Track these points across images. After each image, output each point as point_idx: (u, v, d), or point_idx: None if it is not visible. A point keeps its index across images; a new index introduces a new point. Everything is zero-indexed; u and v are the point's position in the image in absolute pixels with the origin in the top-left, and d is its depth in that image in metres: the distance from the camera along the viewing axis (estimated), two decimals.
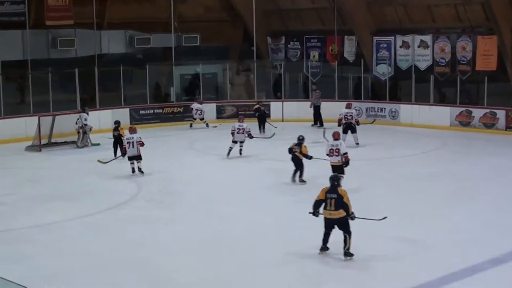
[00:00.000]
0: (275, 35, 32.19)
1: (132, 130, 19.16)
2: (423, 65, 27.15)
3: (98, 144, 23.30)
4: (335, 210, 11.61)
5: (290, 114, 28.69)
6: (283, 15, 31.86)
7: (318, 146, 19.00)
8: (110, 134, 21.90)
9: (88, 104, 25.96)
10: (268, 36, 32.28)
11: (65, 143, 23.40)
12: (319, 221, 11.92)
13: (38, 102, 25.47)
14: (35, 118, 23.10)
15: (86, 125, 23.09)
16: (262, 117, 25.98)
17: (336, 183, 11.81)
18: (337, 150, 16.28)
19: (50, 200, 16.26)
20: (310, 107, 27.11)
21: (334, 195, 11.63)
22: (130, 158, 18.78)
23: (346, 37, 29.47)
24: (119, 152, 20.18)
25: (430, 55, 26.87)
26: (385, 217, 12.28)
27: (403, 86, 28.14)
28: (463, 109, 25.52)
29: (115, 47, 29.19)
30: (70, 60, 27.37)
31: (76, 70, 26.28)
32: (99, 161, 19.76)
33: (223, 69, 30.94)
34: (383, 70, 28.25)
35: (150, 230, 13.76)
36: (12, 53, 25.97)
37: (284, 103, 29.09)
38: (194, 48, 30.52)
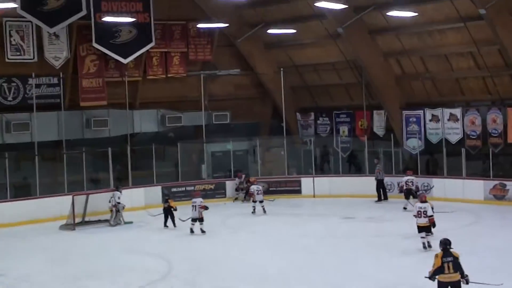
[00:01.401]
0: (304, 111, 32.55)
1: (197, 194, 22.20)
2: (453, 138, 27.12)
3: (131, 222, 23.47)
4: (454, 272, 11.89)
5: (321, 189, 28.64)
6: (312, 91, 32.26)
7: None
8: (154, 210, 23.69)
9: (121, 182, 26.25)
10: (297, 112, 32.65)
11: (99, 221, 23.58)
12: None
13: (72, 181, 25.85)
14: (69, 197, 23.37)
15: (119, 203, 23.28)
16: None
17: (448, 246, 12.13)
18: (424, 212, 17.72)
19: (81, 279, 16.29)
20: (375, 180, 26.91)
21: (450, 258, 11.97)
22: (193, 220, 21.15)
23: (375, 111, 29.65)
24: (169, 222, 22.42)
25: (460, 128, 26.84)
26: (502, 284, 12.57)
27: (435, 160, 28.03)
28: (497, 182, 25.18)
29: (147, 126, 29.72)
30: (103, 139, 27.87)
31: (109, 149, 26.66)
32: (148, 212, 23.07)
33: (253, 146, 31.18)
34: (413, 144, 28.26)
35: None
36: (48, 133, 26.58)
37: (315, 178, 29.10)
38: (224, 126, 30.93)
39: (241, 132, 31.44)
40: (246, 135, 31.54)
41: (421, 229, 17.83)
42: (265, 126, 33.01)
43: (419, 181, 26.90)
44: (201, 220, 21.17)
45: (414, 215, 18.23)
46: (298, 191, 28.83)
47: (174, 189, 27.75)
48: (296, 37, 29.57)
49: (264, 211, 24.80)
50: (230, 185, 28.64)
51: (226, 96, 31.58)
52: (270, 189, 28.74)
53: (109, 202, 23.36)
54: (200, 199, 21.52)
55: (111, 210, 23.36)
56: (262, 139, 31.43)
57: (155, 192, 26.89)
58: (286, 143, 30.81)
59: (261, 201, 24.87)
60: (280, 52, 31.29)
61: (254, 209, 24.97)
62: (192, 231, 21.16)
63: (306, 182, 28.98)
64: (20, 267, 17.75)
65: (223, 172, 30.11)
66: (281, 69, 30.46)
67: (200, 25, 29.11)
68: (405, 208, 23.57)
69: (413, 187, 24.14)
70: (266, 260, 17.76)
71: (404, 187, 24.36)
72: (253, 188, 25.19)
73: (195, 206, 21.20)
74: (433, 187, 25.84)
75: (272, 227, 22.64)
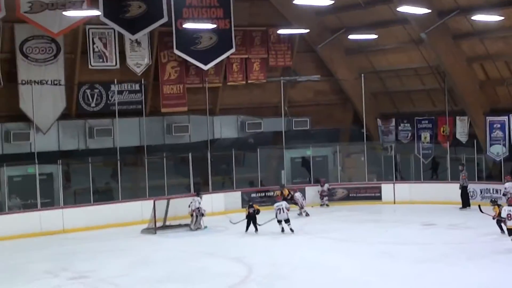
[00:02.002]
0: (385, 117, 32.13)
1: (279, 199, 23.68)
2: None
3: (207, 227, 23.69)
4: None
5: (402, 196, 28.22)
6: (393, 96, 31.82)
7: None
8: (234, 216, 24.18)
9: (201, 187, 26.50)
10: (378, 118, 32.27)
11: (179, 226, 23.87)
12: None
13: (153, 186, 26.26)
14: (151, 202, 23.79)
15: (199, 208, 23.53)
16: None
17: None
18: None
19: (163, 282, 16.55)
20: (459, 188, 26.40)
21: None
22: (279, 222, 22.35)
23: (458, 117, 28.97)
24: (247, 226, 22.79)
25: None
26: None
27: None
28: None
29: (227, 132, 29.87)
30: (183, 145, 28.20)
31: (190, 154, 26.98)
32: (229, 219, 23.51)
33: (333, 151, 30.98)
34: (497, 151, 27.50)
35: None
36: (129, 139, 27.01)
37: (396, 185, 28.69)
38: (304, 132, 30.85)
39: (321, 138, 31.31)
40: (326, 141, 31.39)
41: (510, 231, 18.34)
42: (345, 132, 32.75)
43: (502, 188, 26.23)
44: (287, 221, 22.28)
45: (501, 218, 18.52)
46: (379, 198, 28.50)
47: (253, 195, 27.86)
48: (378, 42, 29.23)
49: (307, 214, 25.90)
50: (309, 191, 28.45)
51: (306, 102, 31.49)
52: (350, 195, 28.61)
53: (189, 207, 23.63)
54: (285, 203, 22.77)
55: (191, 215, 23.62)
56: (342, 145, 31.22)
57: (235, 197, 27.09)
58: (366, 149, 30.52)
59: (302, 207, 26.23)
60: (361, 57, 31.00)
61: (306, 214, 25.99)
62: (283, 230, 22.32)
63: (387, 189, 28.61)
64: (103, 269, 18.15)
65: (302, 178, 30.04)
66: (362, 74, 30.21)
67: (280, 31, 29.08)
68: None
69: None
70: (346, 267, 17.63)
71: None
72: (298, 195, 26.23)
73: (282, 208, 22.32)
74: None
75: (351, 233, 22.43)
